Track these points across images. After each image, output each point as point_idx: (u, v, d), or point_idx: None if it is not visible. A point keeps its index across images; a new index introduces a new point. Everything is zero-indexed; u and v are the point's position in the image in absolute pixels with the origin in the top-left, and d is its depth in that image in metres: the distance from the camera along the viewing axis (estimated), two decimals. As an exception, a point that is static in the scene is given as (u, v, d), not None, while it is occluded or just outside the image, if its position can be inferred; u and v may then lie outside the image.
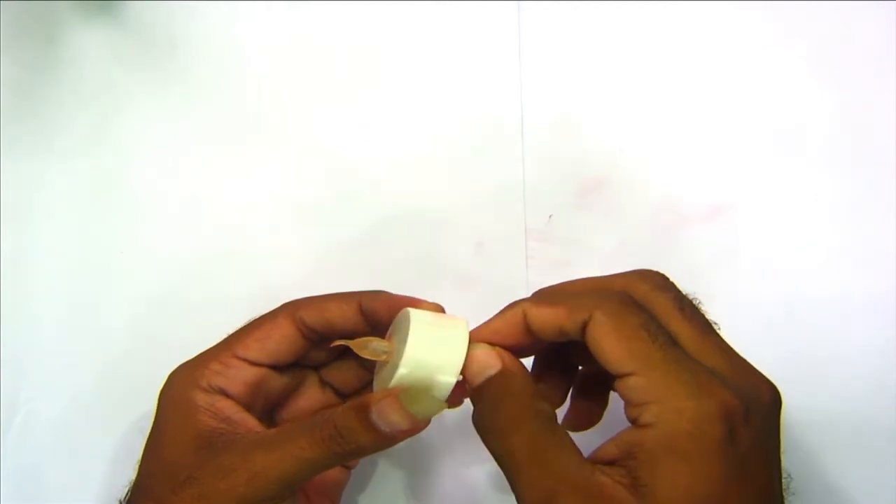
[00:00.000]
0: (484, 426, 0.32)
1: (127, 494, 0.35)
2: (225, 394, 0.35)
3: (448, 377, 0.32)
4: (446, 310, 0.35)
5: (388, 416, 0.32)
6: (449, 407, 0.33)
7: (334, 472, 0.40)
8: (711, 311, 0.44)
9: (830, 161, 0.46)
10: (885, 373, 0.44)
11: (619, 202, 0.46)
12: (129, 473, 0.35)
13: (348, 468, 0.40)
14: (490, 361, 0.32)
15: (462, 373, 0.33)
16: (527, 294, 0.43)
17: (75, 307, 0.46)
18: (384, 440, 0.32)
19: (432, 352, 0.32)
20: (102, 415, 0.45)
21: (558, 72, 0.48)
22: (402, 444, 0.33)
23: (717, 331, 0.33)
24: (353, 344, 0.34)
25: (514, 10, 0.48)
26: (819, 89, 0.47)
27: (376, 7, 0.48)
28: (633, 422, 0.30)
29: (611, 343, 0.31)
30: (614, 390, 0.31)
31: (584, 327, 0.31)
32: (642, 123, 0.47)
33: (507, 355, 0.33)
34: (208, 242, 0.47)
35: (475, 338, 0.33)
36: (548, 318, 0.32)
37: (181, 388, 0.35)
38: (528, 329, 0.33)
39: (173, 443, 0.34)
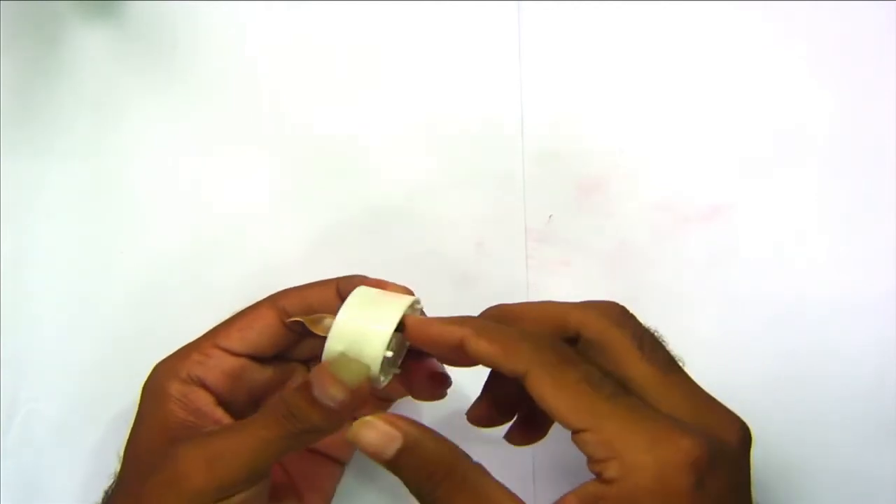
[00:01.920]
0: (418, 495, 0.31)
1: (111, 485, 0.36)
2: (203, 384, 0.36)
3: (374, 350, 0.33)
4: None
5: (325, 389, 0.32)
6: (397, 398, 0.33)
7: (325, 467, 0.40)
8: (711, 312, 0.44)
9: (830, 161, 0.46)
10: (885, 373, 0.44)
11: (619, 202, 0.46)
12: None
13: (340, 463, 0.40)
14: (390, 433, 0.31)
15: (366, 451, 0.32)
16: (526, 295, 0.43)
17: (75, 307, 0.46)
18: (333, 415, 0.32)
19: (361, 324, 0.33)
20: (103, 415, 0.45)
21: (558, 72, 0.48)
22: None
23: (682, 366, 0.33)
24: (307, 320, 0.34)
25: (514, 10, 0.48)
26: (819, 89, 0.47)
27: (376, 7, 0.48)
28: (598, 475, 0.29)
29: (554, 400, 0.30)
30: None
31: (521, 378, 0.31)
32: (642, 123, 0.47)
33: (405, 423, 0.32)
34: (210, 242, 0.47)
35: (412, 329, 0.33)
36: (483, 354, 0.32)
37: (161, 378, 0.36)
38: (462, 350, 0.32)
39: (146, 433, 0.35)
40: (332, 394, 0.32)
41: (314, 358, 0.39)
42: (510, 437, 0.37)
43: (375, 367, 0.33)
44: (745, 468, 0.31)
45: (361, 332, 0.33)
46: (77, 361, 0.46)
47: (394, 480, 0.31)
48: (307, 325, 0.34)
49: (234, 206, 0.47)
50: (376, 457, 0.32)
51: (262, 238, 0.47)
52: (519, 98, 0.47)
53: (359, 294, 0.34)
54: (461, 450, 0.32)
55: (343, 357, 0.33)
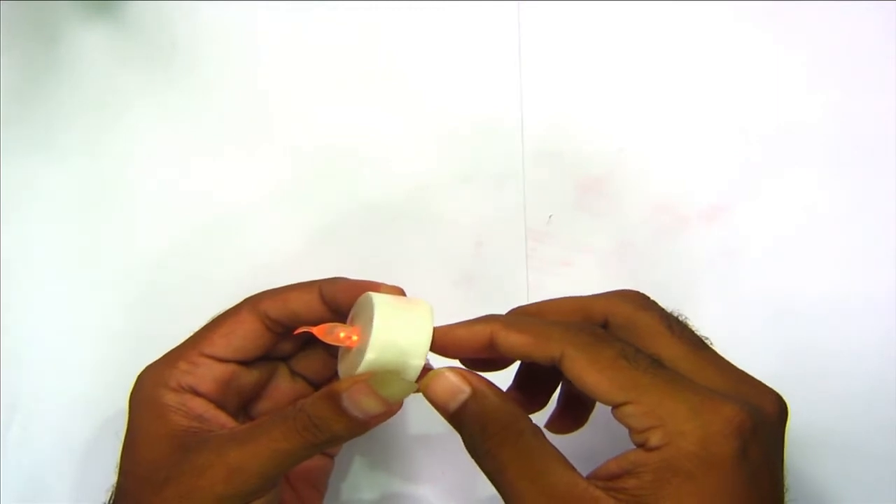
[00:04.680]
0: (472, 449, 0.32)
1: (110, 498, 0.35)
2: (195, 392, 0.35)
3: (416, 360, 0.32)
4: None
5: (359, 401, 0.32)
6: (417, 391, 0.33)
7: (317, 461, 0.40)
8: (711, 311, 0.44)
9: (830, 161, 0.46)
10: (884, 373, 0.44)
11: (619, 202, 0.46)
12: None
13: (330, 456, 0.40)
14: (459, 386, 0.32)
15: (433, 400, 0.32)
16: (526, 295, 0.43)
17: (75, 307, 0.46)
18: (358, 426, 0.32)
19: (398, 335, 0.32)
20: (103, 415, 0.45)
21: (558, 72, 0.48)
22: (385, 429, 0.33)
23: (710, 345, 0.33)
24: (316, 330, 0.33)
25: (514, 10, 0.48)
26: (819, 90, 0.47)
27: (376, 7, 0.48)
28: (641, 446, 0.30)
29: (592, 378, 0.30)
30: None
31: (557, 361, 0.31)
32: (642, 123, 0.47)
33: (474, 376, 0.32)
34: (209, 241, 0.47)
35: (437, 338, 0.33)
36: (515, 345, 0.32)
37: (150, 389, 0.35)
38: (491, 346, 0.33)
39: (148, 444, 0.34)
40: (365, 406, 0.32)
41: (293, 355, 0.39)
42: (551, 426, 0.37)
43: (415, 378, 0.33)
44: (782, 439, 0.31)
45: (400, 345, 0.32)
46: (77, 361, 0.46)
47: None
48: (317, 335, 0.33)
49: (233, 204, 0.47)
50: (442, 408, 0.32)
51: (261, 237, 0.47)
52: (519, 98, 0.47)
53: (382, 303, 0.33)
54: (522, 411, 0.32)
55: (387, 373, 0.32)
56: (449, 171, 0.47)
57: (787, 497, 0.32)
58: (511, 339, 0.32)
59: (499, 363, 0.35)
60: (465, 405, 0.32)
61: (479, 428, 0.31)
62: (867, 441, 0.43)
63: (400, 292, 0.35)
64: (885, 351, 0.44)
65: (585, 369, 0.30)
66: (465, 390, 0.32)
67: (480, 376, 0.33)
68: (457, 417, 0.32)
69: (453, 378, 0.32)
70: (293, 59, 0.48)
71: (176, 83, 0.48)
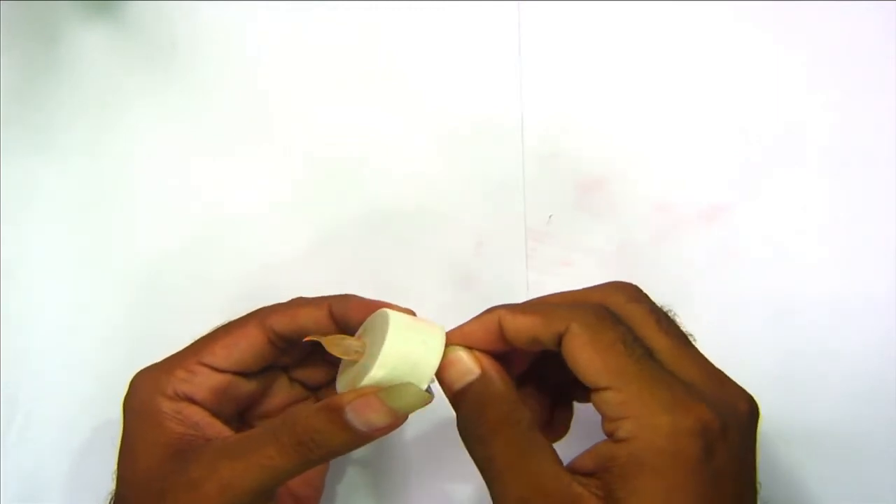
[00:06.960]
0: (465, 432, 0.32)
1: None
2: (191, 400, 0.35)
3: (423, 381, 0.32)
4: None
5: (365, 415, 0.31)
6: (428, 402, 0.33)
7: None
8: (711, 311, 0.44)
9: (829, 161, 0.46)
10: (884, 373, 0.44)
11: (619, 202, 0.46)
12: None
13: None
14: (470, 366, 0.32)
15: (442, 377, 0.33)
16: (526, 295, 0.43)
17: (75, 307, 0.46)
18: (359, 439, 0.32)
19: (411, 350, 0.32)
20: (102, 415, 0.45)
21: (558, 72, 0.48)
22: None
23: (693, 343, 0.33)
24: (326, 340, 0.33)
25: (514, 10, 0.48)
26: (819, 90, 0.47)
27: (377, 7, 0.48)
28: (610, 435, 0.30)
29: (587, 356, 0.30)
30: (585, 402, 0.31)
31: (559, 339, 0.31)
32: (642, 123, 0.47)
33: (486, 360, 0.33)
34: (209, 241, 0.47)
35: (449, 340, 0.33)
36: (522, 327, 0.32)
37: (146, 395, 0.35)
38: (502, 336, 0.33)
39: (144, 452, 0.34)
40: (372, 420, 0.32)
41: (292, 365, 0.39)
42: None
43: (422, 391, 0.33)
44: (753, 440, 0.32)
45: (411, 360, 0.32)
46: (77, 361, 0.46)
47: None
48: (326, 345, 0.33)
49: (233, 205, 0.47)
50: (447, 386, 0.33)
51: (261, 238, 0.47)
52: (519, 98, 0.47)
53: (395, 321, 0.33)
54: (522, 402, 0.32)
55: (400, 385, 0.32)
56: (449, 171, 0.47)
57: (759, 489, 0.32)
58: (518, 322, 0.32)
59: (509, 362, 0.35)
60: (469, 386, 0.32)
61: (477, 411, 0.32)
62: (867, 441, 0.43)
63: (412, 314, 0.35)
64: (885, 351, 0.44)
65: (583, 347, 0.31)
66: (475, 371, 0.32)
67: (492, 360, 0.33)
68: (459, 397, 0.32)
69: (465, 357, 0.32)
70: (293, 59, 0.48)
71: (176, 83, 0.48)
